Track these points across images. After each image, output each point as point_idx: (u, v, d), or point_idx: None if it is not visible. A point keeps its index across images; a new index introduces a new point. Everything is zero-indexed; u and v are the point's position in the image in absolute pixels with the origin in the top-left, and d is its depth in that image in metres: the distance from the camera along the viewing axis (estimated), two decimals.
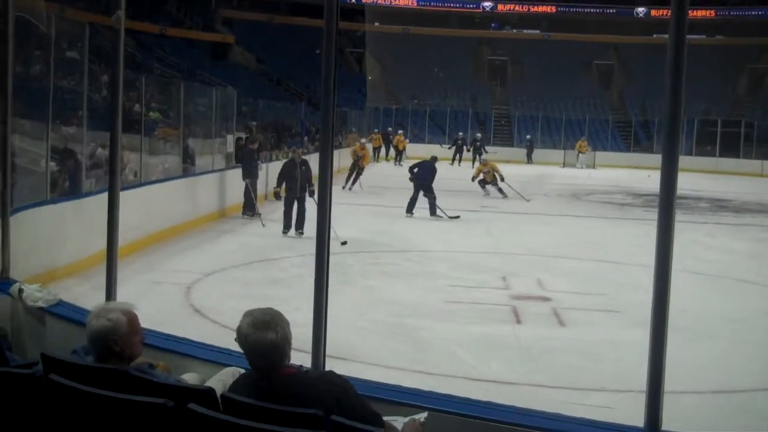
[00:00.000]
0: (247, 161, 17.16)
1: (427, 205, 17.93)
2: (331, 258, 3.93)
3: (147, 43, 40.20)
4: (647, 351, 3.36)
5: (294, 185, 14.70)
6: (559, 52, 53.61)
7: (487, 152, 37.89)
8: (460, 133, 40.34)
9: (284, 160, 17.17)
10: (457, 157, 37.58)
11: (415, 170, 18.53)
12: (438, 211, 17.74)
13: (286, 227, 14.69)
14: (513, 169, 36.67)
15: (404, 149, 37.77)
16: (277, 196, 14.98)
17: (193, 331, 6.69)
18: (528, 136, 44.65)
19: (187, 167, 16.59)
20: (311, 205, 13.47)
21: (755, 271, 12.96)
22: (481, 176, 23.37)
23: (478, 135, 39.87)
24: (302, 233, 14.40)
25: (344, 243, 12.73)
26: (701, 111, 44.42)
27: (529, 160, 42.08)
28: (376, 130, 40.70)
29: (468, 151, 38.11)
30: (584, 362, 7.76)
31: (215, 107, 18.60)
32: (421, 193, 17.99)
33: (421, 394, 3.92)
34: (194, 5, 49.24)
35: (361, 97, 47.38)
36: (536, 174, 33.91)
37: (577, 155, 40.98)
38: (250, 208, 16.88)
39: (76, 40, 12.85)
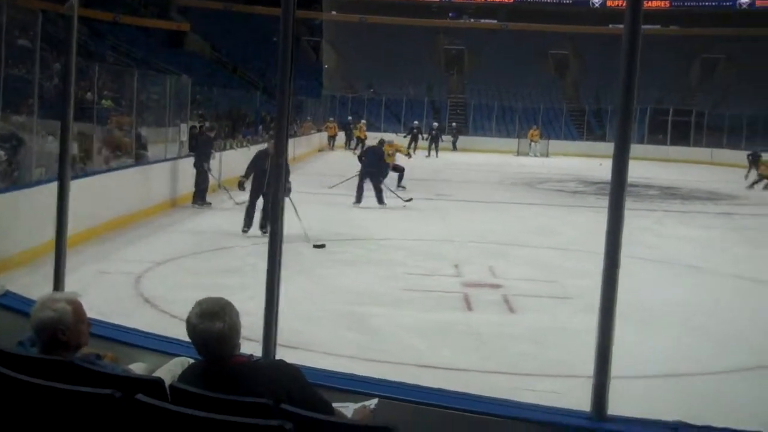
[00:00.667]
0: (202, 148, 16.96)
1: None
2: (285, 247, 3.93)
3: (100, 30, 39.62)
4: (596, 337, 3.42)
5: (262, 179, 13.05)
6: (515, 41, 54.01)
7: (443, 141, 38.24)
8: (416, 122, 40.41)
9: (257, 148, 16.78)
10: (413, 145, 37.64)
11: (363, 158, 18.49)
12: (385, 198, 17.65)
13: (247, 225, 13.38)
14: (466, 157, 37.01)
15: (365, 138, 37.75)
16: (241, 186, 13.70)
17: (143, 321, 6.66)
18: (453, 124, 44.38)
19: (140, 155, 16.39)
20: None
21: (703, 257, 13.16)
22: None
23: (435, 124, 39.97)
24: (266, 232, 12.81)
25: (320, 246, 12.35)
26: (653, 100, 45.05)
27: (455, 147, 41.77)
28: (331, 119, 40.63)
29: (424, 139, 38.24)
30: (534, 349, 7.85)
31: (169, 95, 18.41)
32: (368, 180, 17.84)
33: (371, 381, 3.94)
34: None
35: (318, 86, 47.23)
36: (490, 162, 34.13)
37: (530, 144, 41.28)
38: (201, 197, 16.69)
39: (28, 27, 12.67)
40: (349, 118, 41.88)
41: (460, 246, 13.42)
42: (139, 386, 3.03)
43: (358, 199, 17.74)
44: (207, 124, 19.24)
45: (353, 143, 38.38)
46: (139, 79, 17.22)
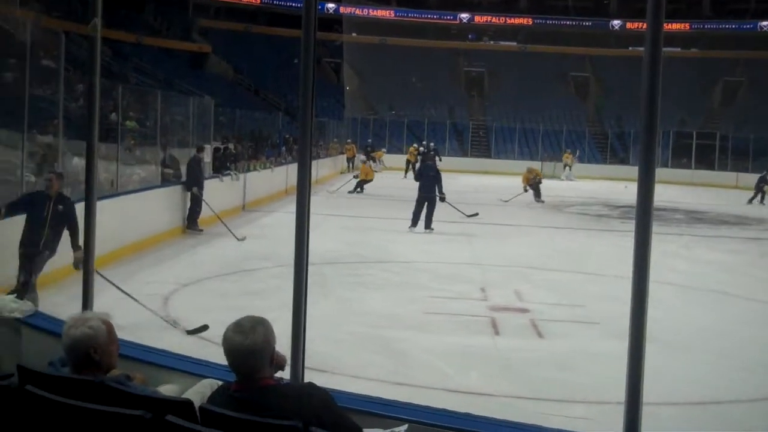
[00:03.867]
0: (190, 172, 16.28)
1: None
2: (309, 269, 3.91)
3: (124, 52, 40.02)
4: (625, 362, 3.37)
5: (37, 231, 8.83)
6: (535, 63, 54.05)
7: (440, 160, 38.11)
8: (432, 144, 40.29)
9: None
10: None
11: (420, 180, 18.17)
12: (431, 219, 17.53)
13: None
14: (489, 180, 36.90)
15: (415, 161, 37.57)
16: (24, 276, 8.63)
17: (170, 343, 6.65)
18: (431, 144, 40.64)
19: (168, 175, 16.43)
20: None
21: (731, 282, 13.05)
22: None
23: (432, 144, 39.53)
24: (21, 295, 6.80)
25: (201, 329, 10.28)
26: (677, 123, 44.86)
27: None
28: (349, 140, 40.70)
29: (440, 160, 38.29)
30: (562, 374, 7.77)
31: (192, 117, 18.52)
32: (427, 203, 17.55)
33: (400, 405, 3.90)
34: (171, 14, 49.13)
35: (339, 108, 47.48)
36: (513, 186, 33.99)
37: (564, 167, 40.99)
38: (194, 222, 16.00)
39: (52, 48, 12.79)
40: (421, 143, 40.31)
41: (486, 269, 13.35)
42: (169, 407, 3.01)
43: (414, 223, 17.54)
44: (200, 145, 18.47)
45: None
46: (163, 100, 17.34)
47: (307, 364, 3.88)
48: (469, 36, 59.82)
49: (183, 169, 16.75)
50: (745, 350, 8.77)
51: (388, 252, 14.69)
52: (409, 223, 17.51)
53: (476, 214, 18.85)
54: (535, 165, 41.98)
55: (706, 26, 55.56)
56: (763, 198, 30.09)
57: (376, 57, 52.40)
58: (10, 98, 12.25)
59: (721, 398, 7.20)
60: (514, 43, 58.46)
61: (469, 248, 15.83)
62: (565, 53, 55.42)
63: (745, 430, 6.40)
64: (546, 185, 36.03)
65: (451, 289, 11.52)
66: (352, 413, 3.39)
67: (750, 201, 29.87)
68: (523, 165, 42.62)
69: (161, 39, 46.90)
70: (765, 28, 53.82)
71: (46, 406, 3.01)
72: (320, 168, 29.43)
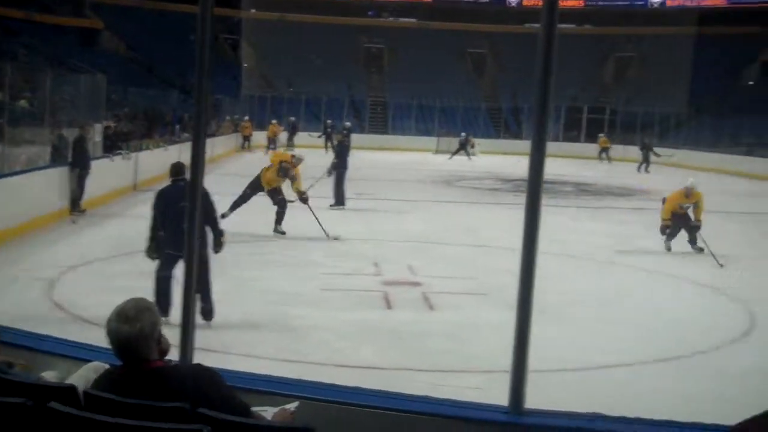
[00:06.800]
0: (75, 152, 15.40)
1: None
2: None
3: (13, 28, 38.49)
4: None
5: (179, 225, 6.30)
6: (434, 40, 54.30)
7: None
8: (329, 121, 40.19)
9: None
10: (329, 144, 37.18)
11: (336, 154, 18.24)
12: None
13: (164, 309, 7.34)
14: (385, 156, 37.05)
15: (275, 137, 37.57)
16: (152, 252, 8.60)
17: (55, 328, 6.50)
18: (292, 118, 42.44)
19: (58, 155, 15.86)
20: None
21: (616, 252, 13.48)
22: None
23: (348, 123, 38.97)
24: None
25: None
26: (569, 97, 45.85)
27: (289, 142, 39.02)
28: (246, 118, 40.24)
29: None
30: (453, 344, 7.95)
31: (83, 95, 18.01)
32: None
33: (290, 382, 3.94)
34: None
35: (236, 85, 46.78)
36: (409, 161, 34.30)
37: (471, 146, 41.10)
38: (76, 204, 15.20)
39: None
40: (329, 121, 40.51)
41: (379, 244, 13.49)
42: (51, 394, 2.97)
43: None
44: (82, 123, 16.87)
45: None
46: (53, 78, 16.79)
47: (199, 345, 3.87)
48: (369, 12, 59.64)
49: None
50: (630, 317, 9.17)
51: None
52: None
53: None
54: (424, 141, 42.13)
55: (598, 3, 56.86)
56: (648, 166, 33.07)
57: (275, 33, 51.72)
58: None
59: (610, 363, 7.49)
60: (414, 20, 58.57)
61: (363, 224, 15.91)
62: (463, 30, 55.86)
63: (628, 393, 6.65)
64: (437, 160, 36.33)
65: (346, 265, 11.63)
66: (241, 392, 3.40)
67: (638, 168, 33.03)
68: (420, 141, 43.16)
69: (52, 15, 45.22)
70: (656, 5, 55.50)
71: None
72: (215, 146, 29.02)
